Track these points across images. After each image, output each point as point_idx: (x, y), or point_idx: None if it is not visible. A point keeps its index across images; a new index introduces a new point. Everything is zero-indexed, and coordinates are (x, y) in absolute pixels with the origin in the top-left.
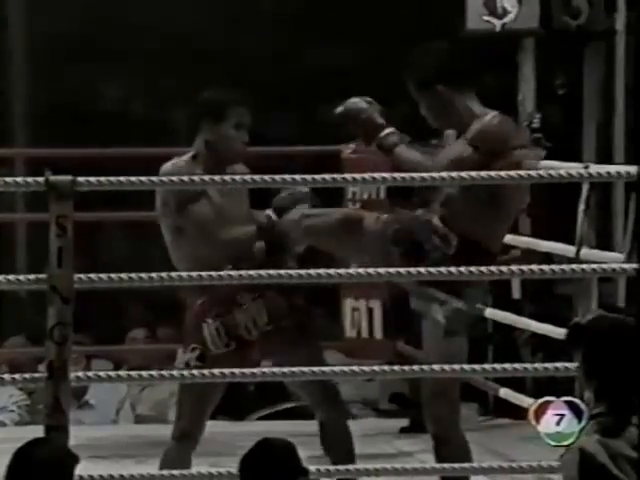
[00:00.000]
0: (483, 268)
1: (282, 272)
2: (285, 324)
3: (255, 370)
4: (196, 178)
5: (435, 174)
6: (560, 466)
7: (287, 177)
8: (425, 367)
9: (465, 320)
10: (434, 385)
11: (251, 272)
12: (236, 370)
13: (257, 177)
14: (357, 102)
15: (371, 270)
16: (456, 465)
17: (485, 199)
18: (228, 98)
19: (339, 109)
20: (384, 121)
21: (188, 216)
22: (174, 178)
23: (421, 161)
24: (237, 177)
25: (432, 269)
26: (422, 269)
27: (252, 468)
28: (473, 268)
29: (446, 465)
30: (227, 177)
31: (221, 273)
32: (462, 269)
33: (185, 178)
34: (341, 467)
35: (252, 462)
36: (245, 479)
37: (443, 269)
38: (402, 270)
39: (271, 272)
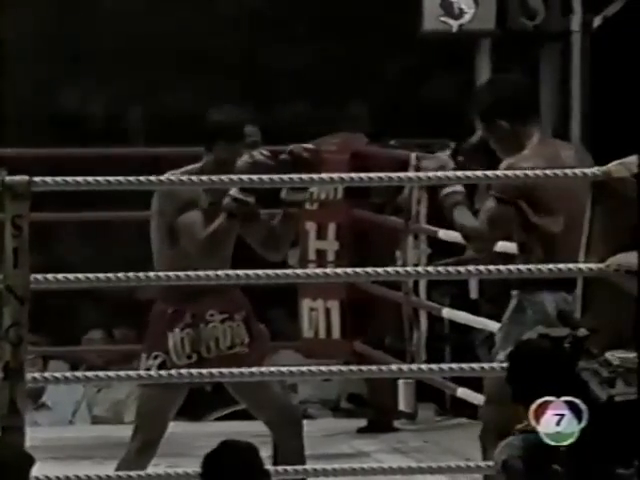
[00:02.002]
0: (464, 268)
1: (253, 272)
2: (242, 351)
3: (214, 370)
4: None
5: (401, 174)
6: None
7: (244, 178)
8: (383, 367)
9: None
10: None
11: (219, 272)
12: (193, 370)
13: (215, 177)
14: (433, 160)
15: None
16: (414, 465)
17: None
18: (243, 118)
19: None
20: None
21: (179, 223)
22: (131, 178)
23: (473, 226)
24: (194, 178)
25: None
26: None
27: (214, 469)
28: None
29: (403, 465)
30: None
31: (179, 273)
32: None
33: (153, 178)
34: (299, 467)
35: (214, 463)
36: None
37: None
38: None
39: (239, 272)
